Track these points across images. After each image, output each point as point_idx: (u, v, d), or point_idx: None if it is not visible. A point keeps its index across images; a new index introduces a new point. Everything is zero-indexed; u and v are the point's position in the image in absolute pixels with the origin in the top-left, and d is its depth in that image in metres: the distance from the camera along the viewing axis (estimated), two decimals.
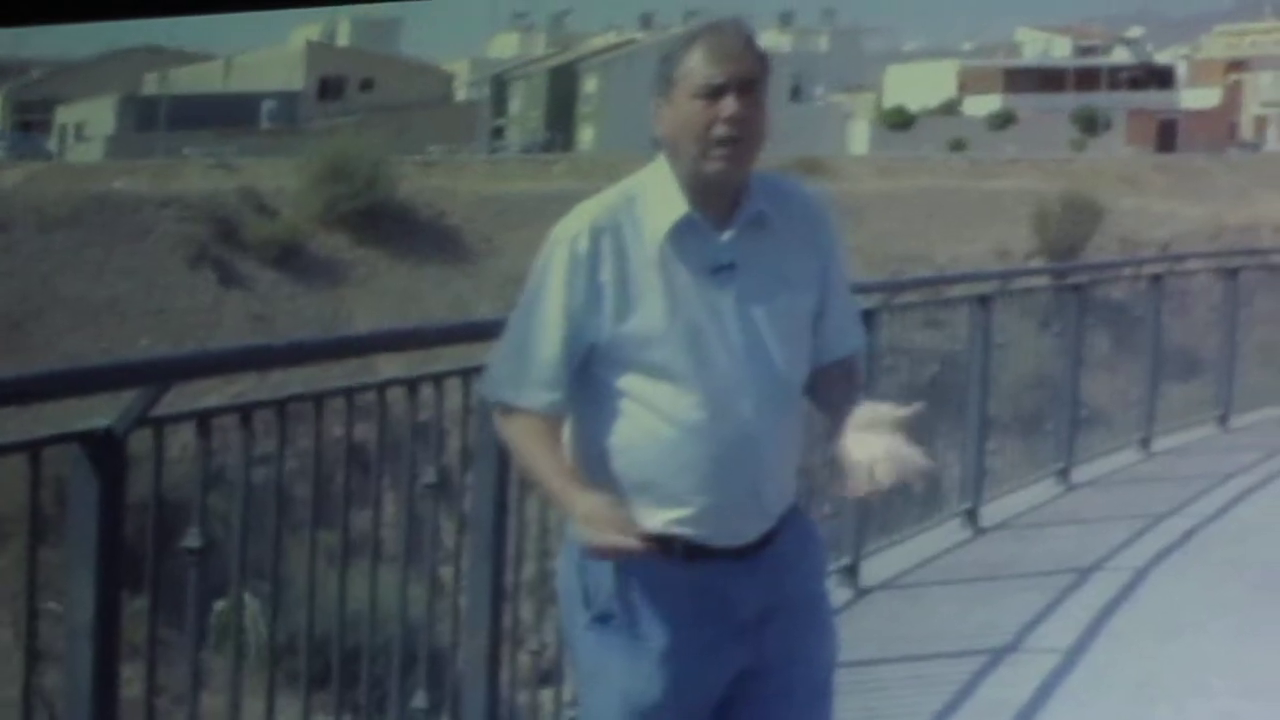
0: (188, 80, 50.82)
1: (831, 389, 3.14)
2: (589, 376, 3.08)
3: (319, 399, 4.22)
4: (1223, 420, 11.68)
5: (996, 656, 6.13)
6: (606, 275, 3.04)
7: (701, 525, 3.06)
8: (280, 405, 4.10)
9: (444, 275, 31.02)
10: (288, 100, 49.67)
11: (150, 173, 32.63)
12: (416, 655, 4.78)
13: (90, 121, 50.08)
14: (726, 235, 3.06)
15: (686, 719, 3.17)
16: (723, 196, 3.06)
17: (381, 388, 4.43)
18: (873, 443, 2.95)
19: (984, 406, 8.46)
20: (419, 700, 4.69)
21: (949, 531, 8.17)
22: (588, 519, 2.96)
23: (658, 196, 3.08)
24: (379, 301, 29.41)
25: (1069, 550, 7.76)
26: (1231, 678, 5.89)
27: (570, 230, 3.07)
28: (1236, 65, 63.42)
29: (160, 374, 3.72)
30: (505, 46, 62.88)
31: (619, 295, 3.04)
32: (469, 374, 4.59)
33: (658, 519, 3.04)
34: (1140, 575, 7.30)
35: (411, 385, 4.57)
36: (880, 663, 5.94)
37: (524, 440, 3.12)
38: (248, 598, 4.07)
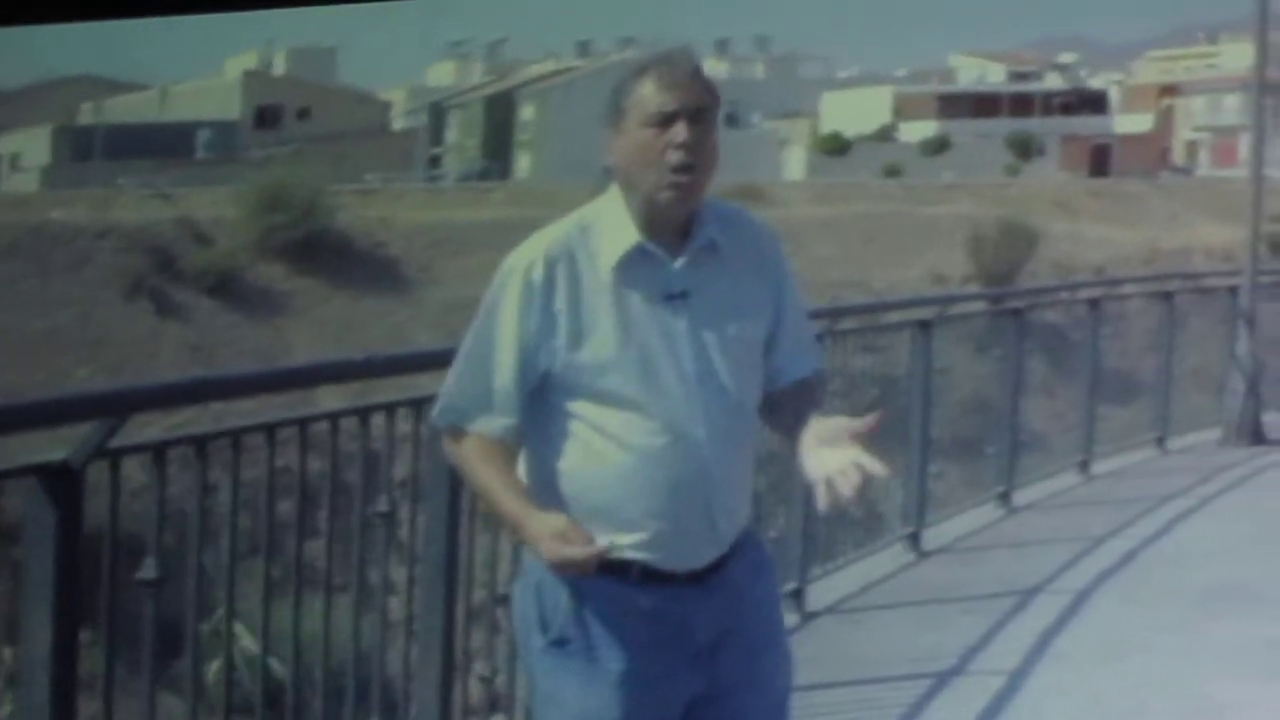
0: (123, 110, 50.58)
1: (788, 410, 3.17)
2: (543, 403, 3.12)
3: (271, 429, 4.24)
4: (1160, 443, 11.82)
5: (942, 680, 6.17)
6: (560, 303, 3.08)
7: (656, 549, 3.10)
8: (234, 436, 4.12)
9: (382, 304, 30.98)
10: (224, 130, 49.50)
11: (87, 203, 32.43)
12: (369, 683, 4.79)
13: (25, 151, 49.75)
14: (679, 263, 3.10)
15: None
16: (675, 225, 3.11)
17: (334, 418, 4.45)
18: (831, 457, 2.98)
19: (926, 431, 8.53)
20: None
21: (893, 555, 8.23)
22: (546, 537, 3.00)
23: (610, 225, 3.12)
24: (317, 331, 29.34)
25: (1012, 573, 7.82)
26: (1175, 698, 5.97)
27: (525, 259, 3.11)
28: (1169, 90, 64.00)
29: (117, 406, 3.74)
30: (442, 75, 62.89)
31: (572, 323, 3.08)
32: (420, 404, 4.63)
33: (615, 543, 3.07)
34: (1082, 597, 7.37)
35: (363, 415, 4.59)
36: (828, 687, 5.96)
37: (478, 465, 3.14)
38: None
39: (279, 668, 4.28)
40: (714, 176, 3.12)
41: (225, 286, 29.83)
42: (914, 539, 8.36)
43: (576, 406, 3.09)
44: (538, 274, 3.08)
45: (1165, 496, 9.78)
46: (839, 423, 3.03)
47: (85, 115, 50.41)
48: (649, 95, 3.07)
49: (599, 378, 3.07)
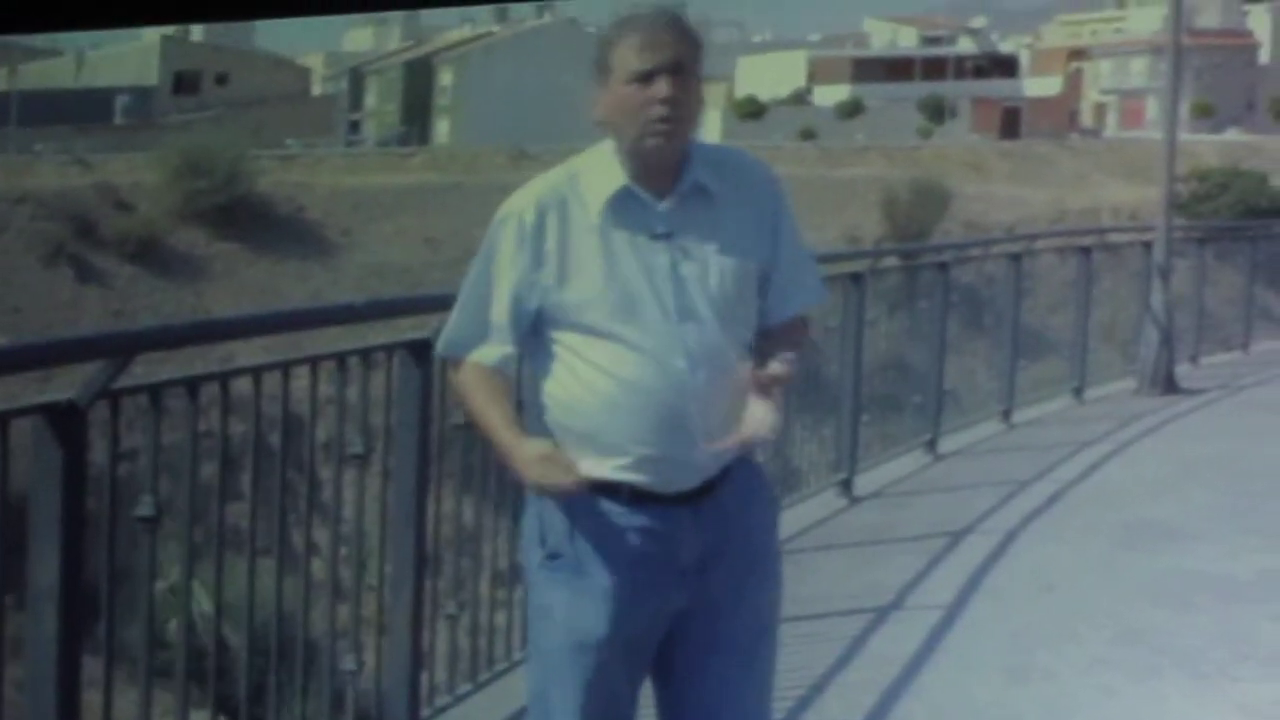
0: (37, 76, 50.01)
1: (766, 349, 3.38)
2: (539, 338, 3.36)
3: (257, 372, 4.45)
4: (1078, 393, 12.19)
5: (882, 614, 6.45)
6: (550, 245, 3.31)
7: (642, 472, 3.31)
8: (223, 379, 4.32)
9: (303, 269, 30.92)
10: (142, 95, 49.06)
11: (3, 170, 32.19)
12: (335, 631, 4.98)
13: None
14: (663, 205, 3.32)
15: (627, 654, 3.40)
16: (662, 170, 3.32)
17: (314, 362, 4.65)
18: (750, 404, 3.27)
19: (858, 381, 8.80)
20: (348, 663, 4.93)
21: (825, 501, 8.51)
22: (529, 461, 3.25)
23: (600, 172, 3.34)
24: (239, 296, 29.27)
25: (942, 516, 8.13)
26: (1102, 626, 6.27)
27: (518, 205, 3.35)
28: (1077, 54, 64.57)
29: (123, 347, 3.93)
30: (360, 40, 62.53)
31: (561, 263, 3.31)
32: (392, 350, 4.89)
33: (604, 466, 3.30)
34: (1010, 537, 7.68)
35: (341, 360, 4.79)
36: None
37: (475, 393, 3.39)
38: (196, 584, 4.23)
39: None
40: (699, 120, 3.35)
41: (146, 252, 29.66)
42: (846, 485, 8.65)
43: (566, 339, 3.33)
44: (529, 218, 3.32)
45: (1085, 442, 10.13)
46: (756, 374, 3.29)
47: None
48: (630, 54, 3.28)
49: (584, 313, 3.31)
